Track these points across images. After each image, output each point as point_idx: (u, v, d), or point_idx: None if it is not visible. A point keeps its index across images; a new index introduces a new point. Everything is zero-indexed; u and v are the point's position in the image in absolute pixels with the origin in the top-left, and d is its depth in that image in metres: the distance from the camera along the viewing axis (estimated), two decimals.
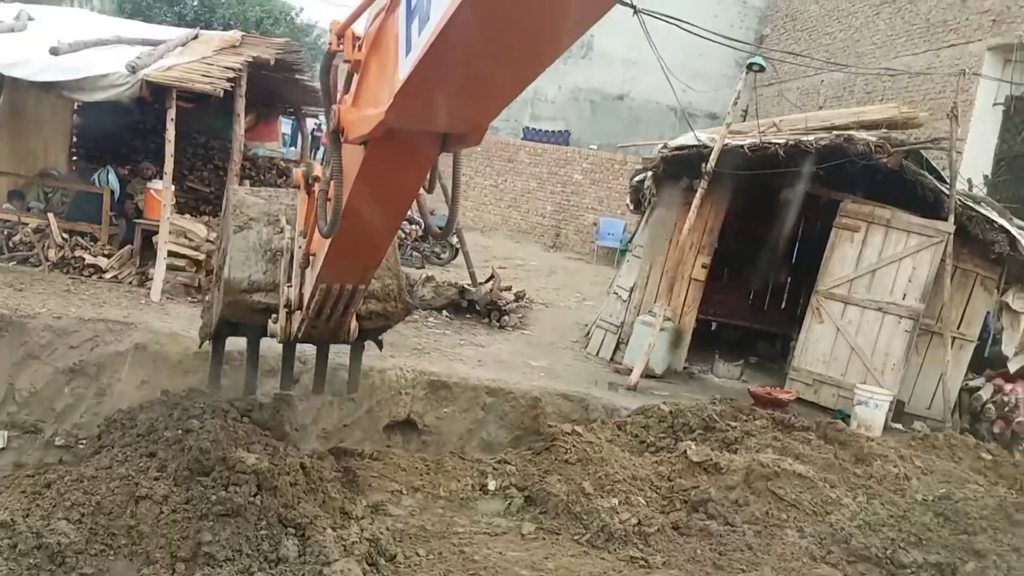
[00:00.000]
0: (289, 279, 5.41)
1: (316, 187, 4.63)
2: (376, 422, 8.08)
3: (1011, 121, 13.43)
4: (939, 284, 9.15)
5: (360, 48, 3.55)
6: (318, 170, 4.80)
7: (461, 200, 4.05)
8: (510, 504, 5.89)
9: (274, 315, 5.49)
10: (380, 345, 6.26)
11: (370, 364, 7.93)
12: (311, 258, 5.05)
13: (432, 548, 5.22)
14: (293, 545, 4.83)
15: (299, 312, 5.29)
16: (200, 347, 6.84)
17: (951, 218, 9.06)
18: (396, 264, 6.08)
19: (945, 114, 13.67)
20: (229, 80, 10.05)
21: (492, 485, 6.04)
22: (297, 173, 5.14)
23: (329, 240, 4.36)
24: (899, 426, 9.09)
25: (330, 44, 3.69)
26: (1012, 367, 9.50)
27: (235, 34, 11.78)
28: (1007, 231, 9.17)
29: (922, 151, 9.96)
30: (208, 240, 10.11)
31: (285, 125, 17.06)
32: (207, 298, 6.56)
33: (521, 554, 5.28)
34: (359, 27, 3.59)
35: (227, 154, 11.48)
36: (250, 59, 10.79)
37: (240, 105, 10.75)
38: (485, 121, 3.33)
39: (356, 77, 3.63)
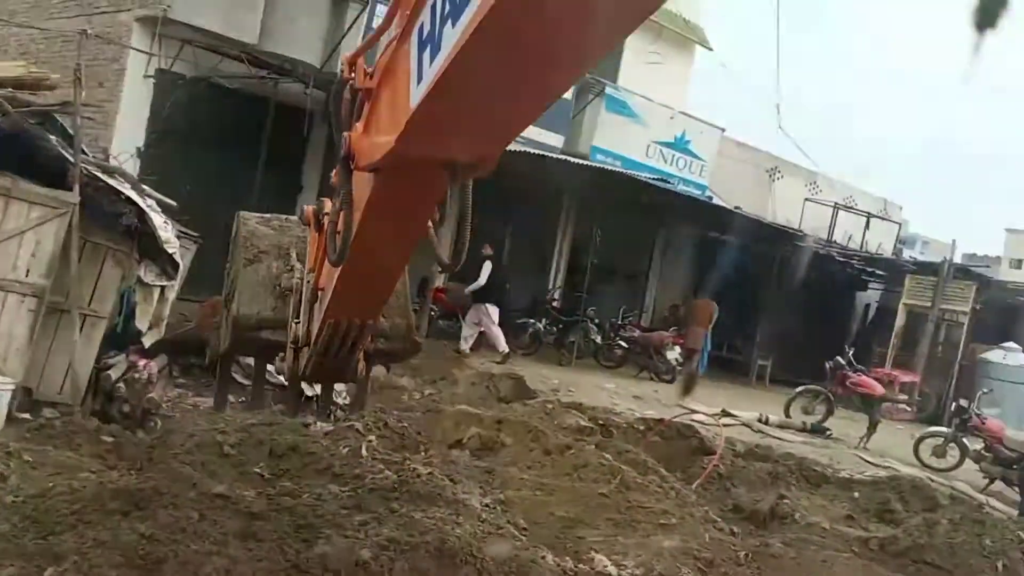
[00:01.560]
0: (298, 316, 5.40)
1: (326, 222, 4.56)
2: None
3: (163, 94, 13.46)
4: (67, 259, 8.48)
5: (371, 76, 3.51)
6: (329, 208, 4.68)
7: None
8: None
9: (281, 353, 5.58)
10: (388, 367, 6.36)
11: None
12: (320, 293, 5.04)
13: None
14: None
15: (306, 349, 5.30)
16: (207, 365, 6.96)
17: (76, 188, 8.44)
18: (406, 303, 6.14)
19: (99, 82, 13.10)
20: None
21: None
22: (308, 210, 5.22)
23: (338, 273, 4.38)
24: (28, 416, 8.21)
25: (342, 72, 3.76)
26: (147, 342, 9.34)
27: None
28: (136, 203, 8.92)
29: (59, 117, 9.18)
30: None
31: None
32: (216, 319, 6.41)
33: None
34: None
35: None
36: None
37: None
38: (496, 150, 3.23)
39: (367, 105, 3.57)
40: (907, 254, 27.81)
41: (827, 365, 14.79)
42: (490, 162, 3.32)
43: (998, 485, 11.87)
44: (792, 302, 21.63)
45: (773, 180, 24.09)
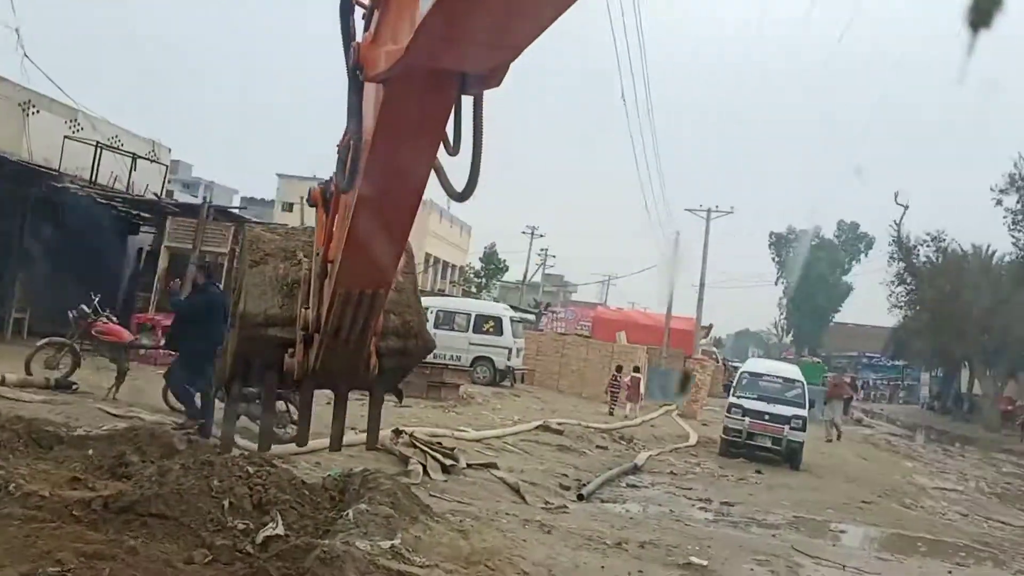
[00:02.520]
0: (307, 303, 5.37)
1: (334, 202, 4.74)
2: None
3: None
4: None
5: None
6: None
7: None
8: None
9: (291, 350, 5.42)
10: (400, 396, 6.61)
11: None
12: (329, 267, 4.99)
13: None
14: None
15: (316, 337, 5.24)
16: (215, 393, 6.68)
17: None
18: (417, 300, 6.11)
19: None
20: None
21: None
22: (315, 190, 5.19)
23: (348, 226, 4.27)
24: None
25: None
26: None
27: None
28: None
29: None
30: None
31: None
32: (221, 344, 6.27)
33: None
34: None
35: None
36: None
37: None
38: (507, 60, 3.15)
39: (376, 13, 3.50)
40: (179, 196, 27.73)
41: (71, 314, 13.72)
42: (501, 73, 3.21)
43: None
44: (52, 248, 19.80)
45: (28, 115, 21.79)
